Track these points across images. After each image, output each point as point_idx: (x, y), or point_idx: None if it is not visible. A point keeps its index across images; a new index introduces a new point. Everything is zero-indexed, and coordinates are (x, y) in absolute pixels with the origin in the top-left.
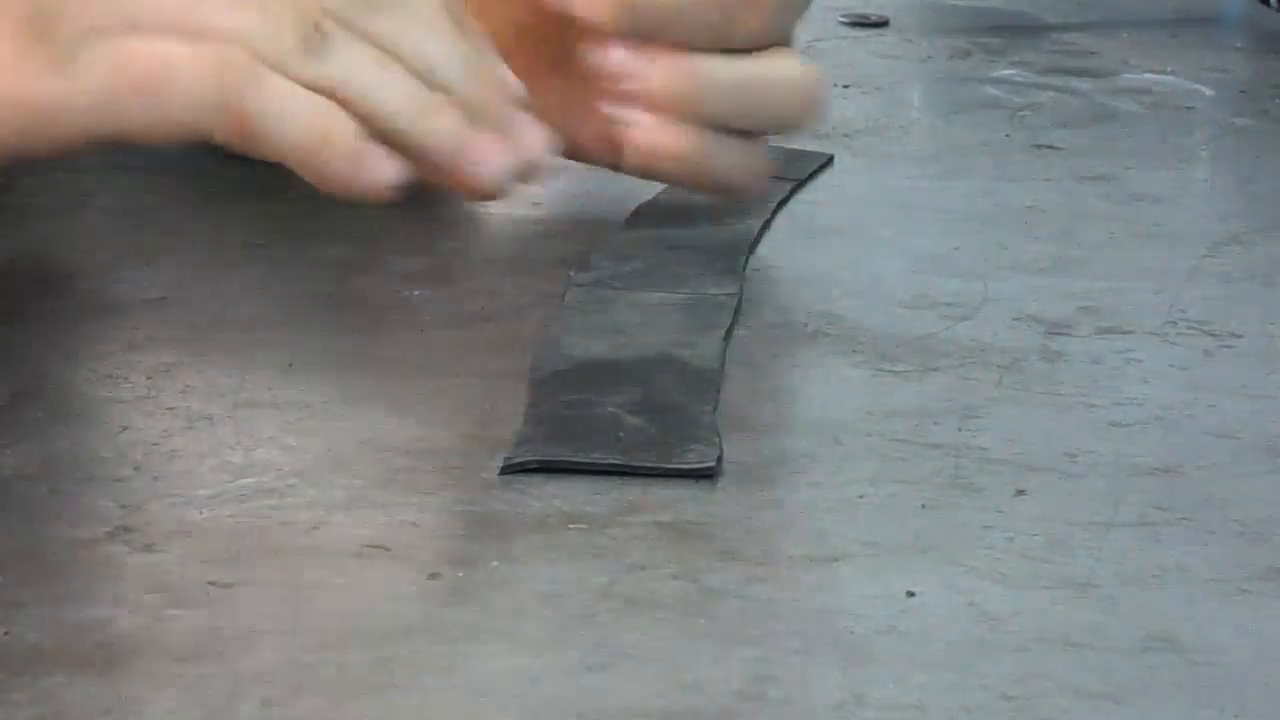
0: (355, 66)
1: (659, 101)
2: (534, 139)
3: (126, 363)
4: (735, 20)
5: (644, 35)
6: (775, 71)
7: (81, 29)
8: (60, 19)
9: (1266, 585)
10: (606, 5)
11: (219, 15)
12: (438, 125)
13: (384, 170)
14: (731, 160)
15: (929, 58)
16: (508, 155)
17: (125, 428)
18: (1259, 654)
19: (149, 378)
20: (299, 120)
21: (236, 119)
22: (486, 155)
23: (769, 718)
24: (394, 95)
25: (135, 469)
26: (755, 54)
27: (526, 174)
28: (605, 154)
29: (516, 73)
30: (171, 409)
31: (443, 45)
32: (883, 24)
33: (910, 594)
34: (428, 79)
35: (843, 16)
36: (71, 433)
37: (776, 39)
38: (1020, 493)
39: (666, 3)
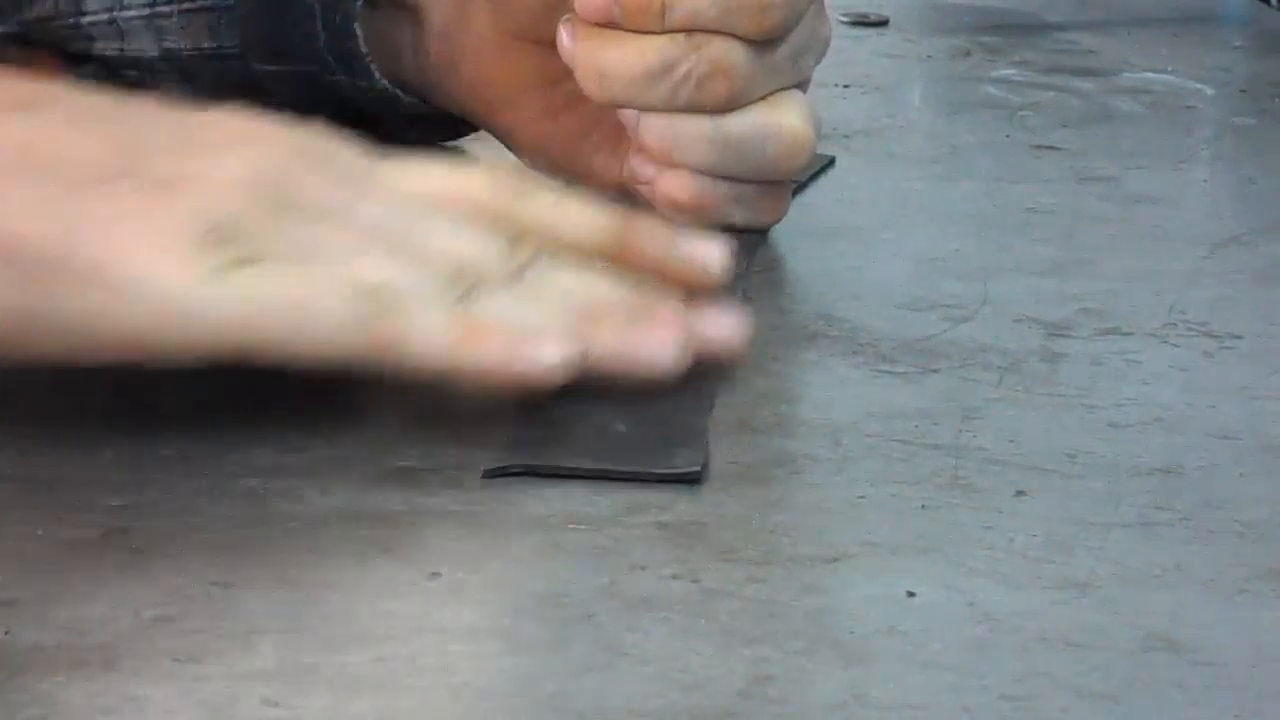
0: (500, 307)
1: (653, 156)
2: (721, 325)
3: (126, 363)
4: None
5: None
6: (765, 126)
7: (246, 252)
8: (233, 241)
9: (1266, 585)
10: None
11: (370, 265)
12: (596, 338)
13: (545, 352)
14: (749, 204)
15: (929, 57)
16: (677, 337)
17: (125, 427)
18: (1259, 654)
19: (149, 379)
20: (442, 339)
21: (377, 345)
22: (657, 346)
23: (769, 718)
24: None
25: (135, 469)
26: (753, 105)
27: (714, 349)
28: (619, 189)
29: (534, 113)
30: (172, 409)
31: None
32: (883, 23)
33: (910, 594)
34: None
35: (843, 16)
36: (71, 433)
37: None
38: (1020, 493)
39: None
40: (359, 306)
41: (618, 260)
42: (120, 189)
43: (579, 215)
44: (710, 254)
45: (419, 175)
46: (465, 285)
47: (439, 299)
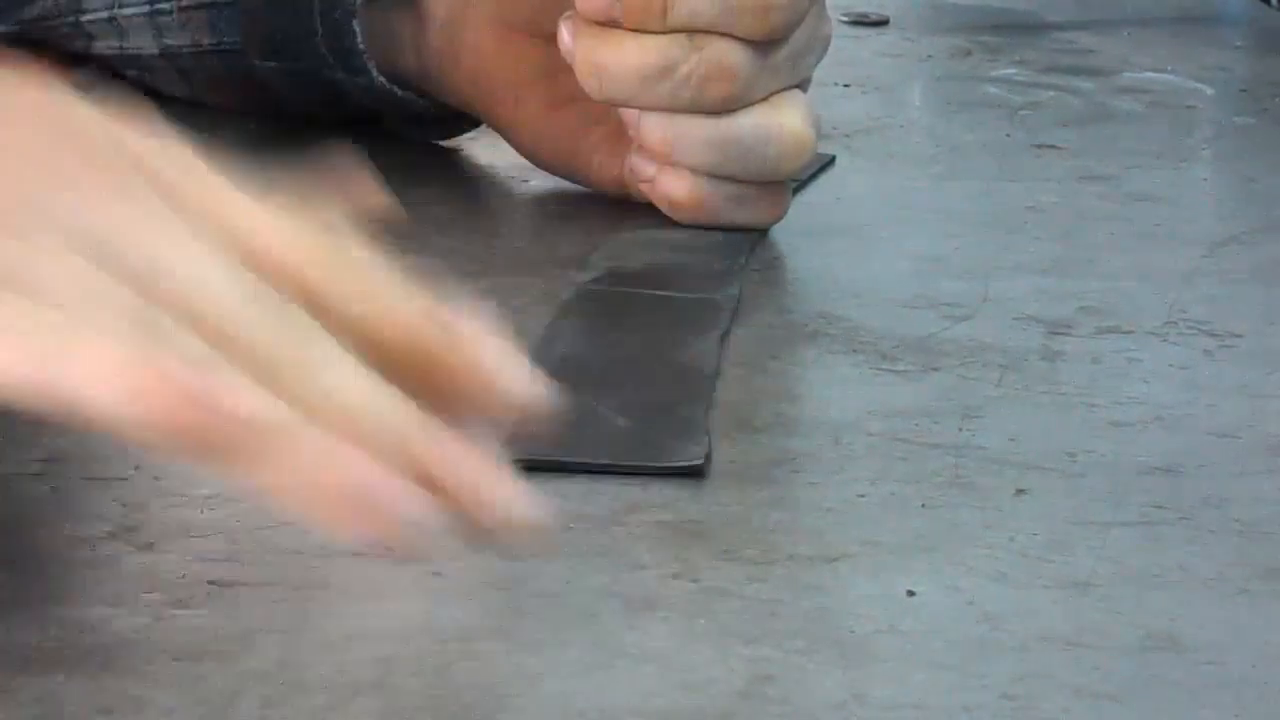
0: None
1: (653, 155)
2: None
3: None
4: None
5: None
6: (766, 127)
7: None
8: None
9: (1266, 585)
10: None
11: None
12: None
13: (240, 403)
14: (749, 204)
15: (929, 57)
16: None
17: None
18: (1259, 654)
19: None
20: (111, 385)
21: (45, 386)
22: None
23: (769, 718)
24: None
25: (135, 469)
26: (754, 105)
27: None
28: (619, 186)
29: (535, 108)
30: None
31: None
32: (883, 23)
33: (910, 594)
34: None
35: (843, 15)
36: (71, 433)
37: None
38: (1020, 492)
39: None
40: (28, 341)
41: (413, 360)
42: None
43: (394, 300)
44: (516, 382)
45: (230, 200)
46: (199, 334)
47: (133, 337)
